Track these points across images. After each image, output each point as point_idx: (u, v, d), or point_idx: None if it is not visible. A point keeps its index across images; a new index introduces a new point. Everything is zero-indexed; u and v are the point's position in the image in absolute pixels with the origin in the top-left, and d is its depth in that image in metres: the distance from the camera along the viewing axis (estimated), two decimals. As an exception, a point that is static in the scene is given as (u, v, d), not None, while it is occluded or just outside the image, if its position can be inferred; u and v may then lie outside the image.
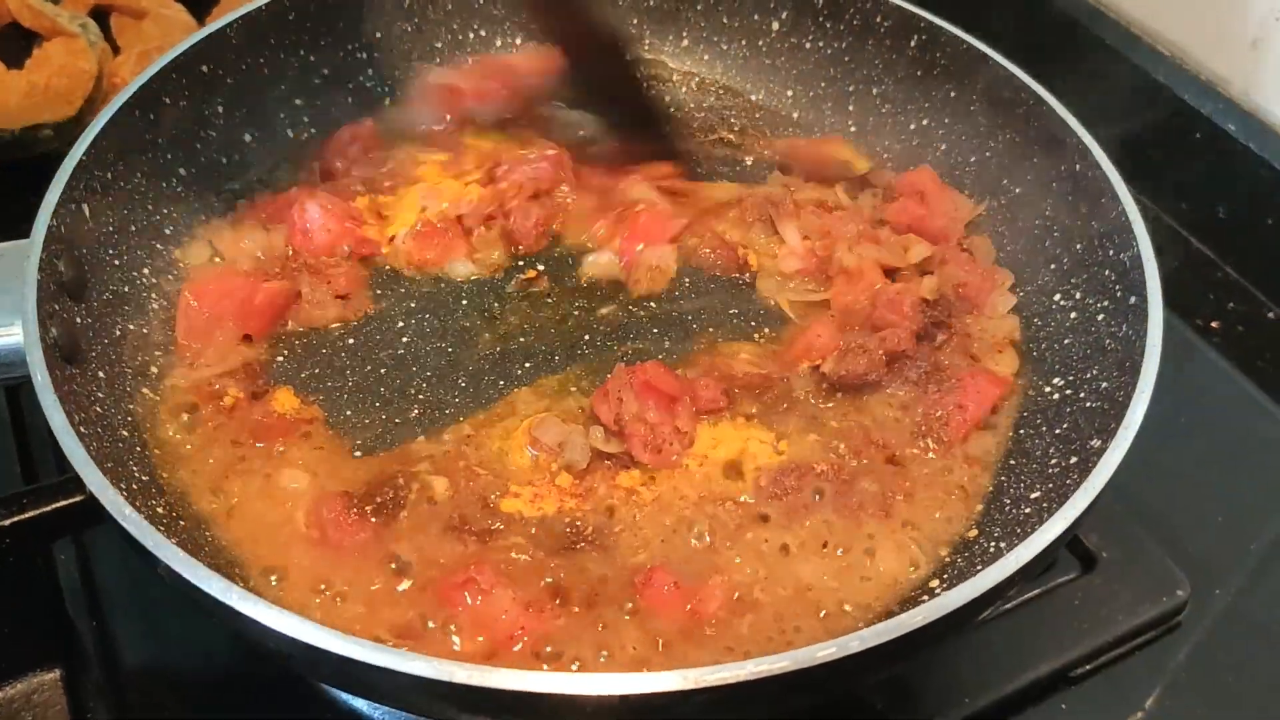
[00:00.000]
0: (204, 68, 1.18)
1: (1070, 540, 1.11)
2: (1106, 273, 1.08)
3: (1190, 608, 1.14)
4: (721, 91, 1.43)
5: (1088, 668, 1.10)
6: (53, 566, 1.07)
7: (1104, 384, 1.01)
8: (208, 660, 1.09)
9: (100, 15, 1.69)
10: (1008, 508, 1.00)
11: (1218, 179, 1.50)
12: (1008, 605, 1.11)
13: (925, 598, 0.93)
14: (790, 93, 1.40)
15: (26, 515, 0.95)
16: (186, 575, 0.77)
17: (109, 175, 1.08)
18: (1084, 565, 1.16)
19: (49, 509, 0.95)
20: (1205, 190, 1.52)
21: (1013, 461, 1.05)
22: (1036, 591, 1.14)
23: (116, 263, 1.08)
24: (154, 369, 1.06)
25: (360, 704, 1.05)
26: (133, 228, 1.11)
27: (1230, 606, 1.17)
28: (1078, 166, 1.14)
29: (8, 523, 0.94)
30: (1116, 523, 1.18)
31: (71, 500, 0.96)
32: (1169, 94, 1.50)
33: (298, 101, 1.29)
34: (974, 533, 1.00)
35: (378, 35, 1.32)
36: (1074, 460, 0.97)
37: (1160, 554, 1.17)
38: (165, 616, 1.10)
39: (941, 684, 1.08)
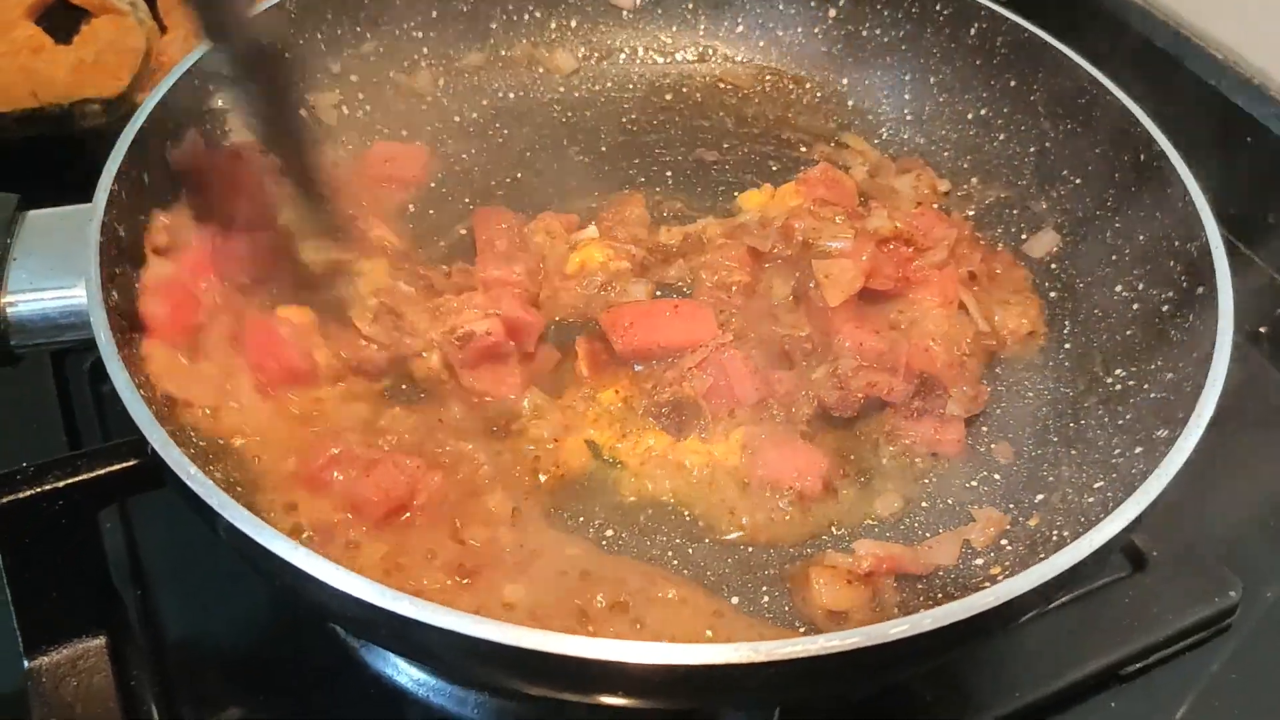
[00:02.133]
0: (262, 40, 1.17)
1: None
2: (1171, 263, 1.07)
3: (1240, 609, 1.13)
4: (775, 78, 1.42)
5: (1137, 666, 1.09)
6: (99, 534, 1.06)
7: (1169, 375, 1.00)
8: (249, 632, 1.10)
9: (149, -6, 1.70)
10: (1070, 497, 0.99)
11: (1266, 184, 1.48)
12: (1058, 602, 1.10)
13: (987, 584, 0.91)
14: (845, 80, 1.39)
15: (81, 478, 0.94)
16: (251, 534, 0.76)
17: (167, 144, 1.07)
18: (1134, 564, 1.15)
19: (103, 472, 0.94)
20: (1254, 195, 1.50)
21: (1074, 451, 1.04)
22: (1086, 589, 1.12)
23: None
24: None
25: (402, 679, 1.04)
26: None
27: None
28: (1142, 157, 1.12)
29: (63, 484, 0.94)
30: (1166, 522, 1.16)
31: (125, 464, 0.95)
32: (1220, 98, 1.49)
33: (354, 78, 1.28)
34: (1034, 520, 0.99)
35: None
36: (1139, 450, 0.96)
37: (1211, 555, 1.15)
38: (208, 588, 1.10)
39: (991, 678, 1.07)
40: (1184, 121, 1.15)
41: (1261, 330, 1.43)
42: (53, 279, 0.93)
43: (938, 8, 1.31)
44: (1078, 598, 1.12)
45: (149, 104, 1.04)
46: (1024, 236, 1.23)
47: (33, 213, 0.97)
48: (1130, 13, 1.58)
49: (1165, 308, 1.06)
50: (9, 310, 0.92)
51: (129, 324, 0.94)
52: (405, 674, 1.05)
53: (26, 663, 1.00)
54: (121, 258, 0.97)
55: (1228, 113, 1.48)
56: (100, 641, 1.03)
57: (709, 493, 1.01)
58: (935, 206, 1.25)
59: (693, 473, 1.02)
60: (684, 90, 1.39)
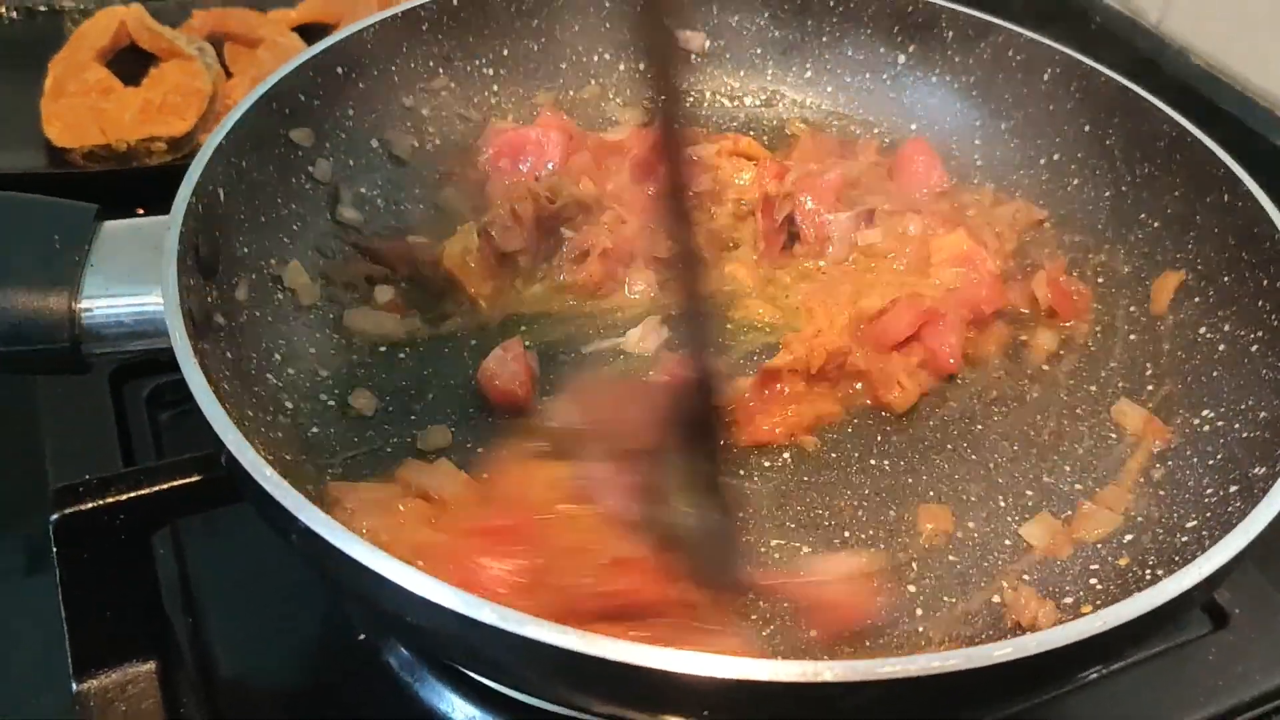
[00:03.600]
0: (339, 68, 1.19)
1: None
2: (1260, 303, 1.04)
3: (1330, 674, 1.08)
4: (843, 122, 1.42)
5: (1223, 728, 1.04)
6: (152, 557, 1.04)
7: (1263, 413, 0.97)
8: (301, 666, 1.07)
9: (216, 42, 1.73)
10: (1160, 536, 0.95)
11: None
12: (1136, 659, 1.06)
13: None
14: (914, 125, 1.38)
15: (143, 491, 0.93)
16: (328, 538, 0.73)
17: (244, 164, 1.07)
18: (1215, 622, 1.11)
19: (166, 486, 0.93)
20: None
21: (1162, 492, 1.00)
22: (1165, 646, 1.08)
23: (246, 250, 1.07)
24: (277, 356, 1.04)
25: (458, 716, 1.01)
26: (262, 219, 1.10)
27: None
28: (1226, 198, 1.10)
29: (125, 497, 0.92)
30: (1249, 581, 1.12)
31: (189, 479, 0.94)
32: (1265, 144, 1.48)
33: (425, 112, 1.29)
34: (1124, 560, 0.95)
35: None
36: (1235, 489, 0.93)
37: (1297, 612, 1.11)
38: (261, 620, 1.07)
39: (1069, 740, 1.03)
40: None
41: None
42: (128, 285, 0.92)
43: (1010, 53, 1.31)
44: (1155, 656, 1.07)
45: (231, 118, 1.05)
46: (1100, 280, 1.22)
47: (110, 223, 0.97)
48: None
49: (1255, 348, 1.03)
50: (84, 315, 0.91)
51: (199, 334, 0.93)
52: (461, 711, 1.02)
53: (75, 685, 0.97)
54: (196, 269, 0.96)
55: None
56: (150, 667, 1.00)
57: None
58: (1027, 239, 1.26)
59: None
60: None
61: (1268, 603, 1.11)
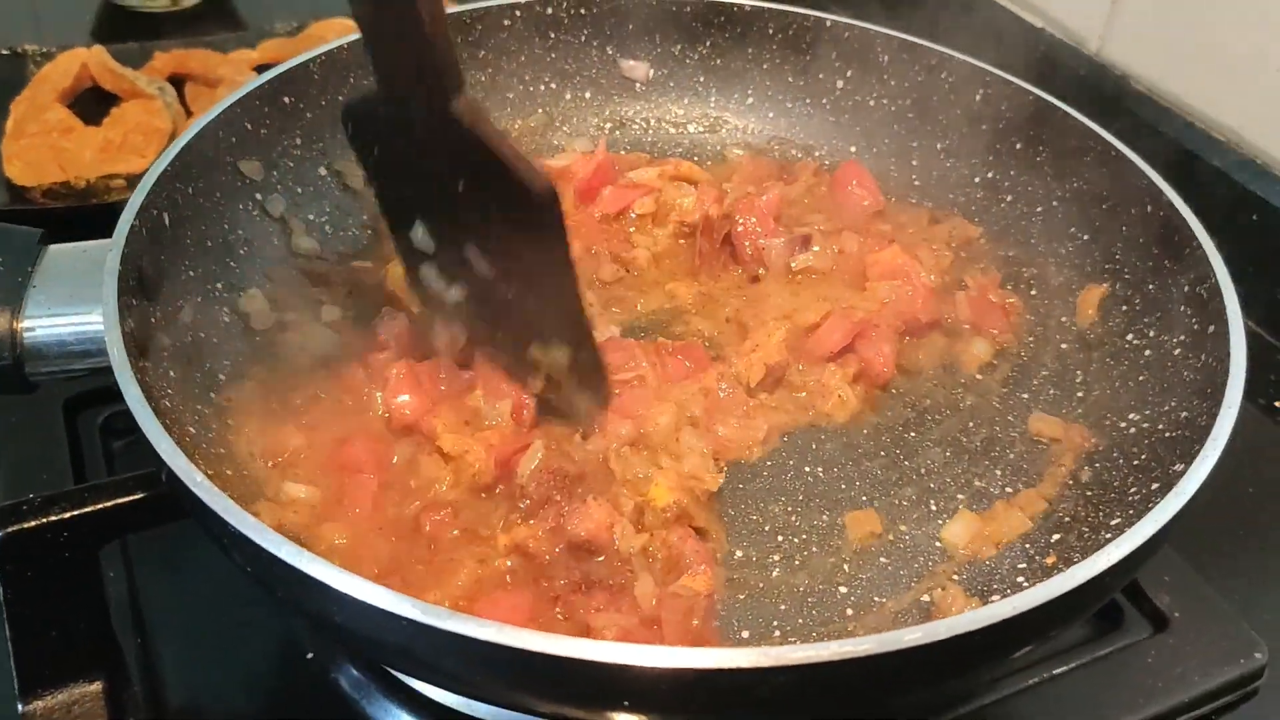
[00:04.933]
0: (286, 99, 1.22)
1: (1143, 600, 1.11)
2: (1183, 308, 1.07)
3: (1269, 676, 1.09)
4: (784, 146, 1.45)
5: (1164, 730, 1.05)
6: (100, 576, 1.05)
7: (1184, 413, 0.99)
8: (250, 688, 1.07)
9: (176, 82, 1.76)
10: (1086, 535, 0.97)
11: (1276, 262, 1.49)
12: (1078, 662, 1.08)
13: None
14: (854, 148, 1.42)
15: (87, 509, 0.94)
16: (279, 554, 0.74)
17: (189, 190, 1.09)
18: (1155, 625, 1.12)
19: (110, 504, 0.95)
20: (1263, 274, 1.50)
21: (1089, 493, 1.02)
22: (1107, 650, 1.10)
23: (191, 274, 1.08)
24: (221, 376, 1.06)
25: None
26: (209, 243, 1.12)
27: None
28: (1149, 209, 1.14)
29: (69, 515, 0.93)
30: (1189, 585, 1.14)
31: (133, 497, 0.95)
32: (1225, 178, 1.51)
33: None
34: (1051, 559, 0.97)
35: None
36: (1156, 486, 0.95)
37: (1236, 616, 1.12)
38: (210, 642, 1.08)
39: (1011, 742, 1.04)
40: (1190, 200, 1.16)
41: (1277, 404, 1.43)
42: (70, 305, 0.94)
43: (943, 76, 1.34)
44: (1098, 659, 1.09)
45: (176, 146, 1.07)
46: (1032, 293, 1.25)
47: (55, 246, 0.99)
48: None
49: (1177, 351, 1.06)
50: (25, 334, 0.93)
51: (140, 353, 0.95)
52: (415, 730, 1.02)
53: (21, 706, 0.98)
54: (139, 290, 0.98)
55: (1238, 192, 1.49)
56: (97, 687, 1.01)
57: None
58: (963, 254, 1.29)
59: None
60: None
61: (1207, 607, 1.13)
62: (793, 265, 1.23)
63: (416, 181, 0.98)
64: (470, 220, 0.97)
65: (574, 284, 1.00)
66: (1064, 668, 1.07)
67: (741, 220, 1.24)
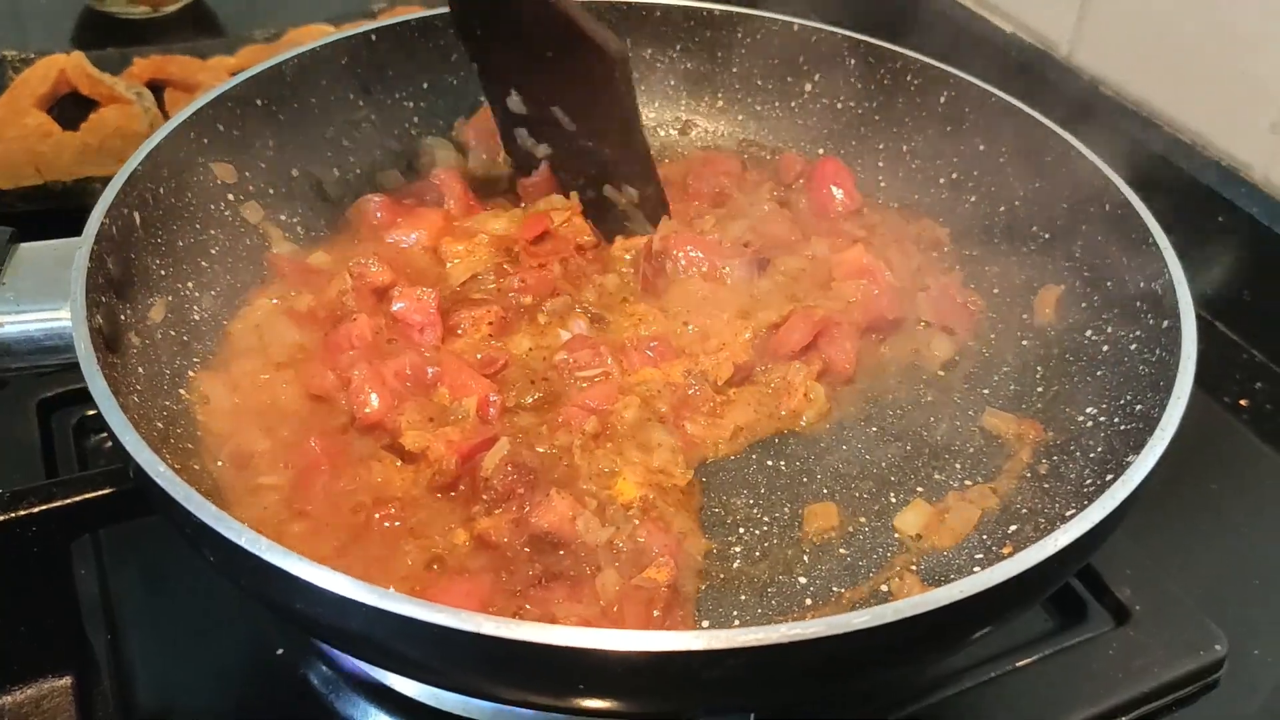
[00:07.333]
0: (259, 101, 1.23)
1: (1105, 593, 1.14)
2: (1139, 304, 1.09)
3: (1228, 665, 1.11)
4: (754, 149, 1.47)
5: (1124, 720, 1.07)
6: (70, 569, 1.06)
7: (1138, 406, 1.01)
8: (221, 683, 1.08)
9: (155, 88, 1.77)
10: (1043, 526, 0.99)
11: (1241, 263, 1.51)
12: (1041, 655, 1.09)
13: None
14: (822, 150, 1.43)
15: (56, 504, 0.94)
16: (239, 541, 0.75)
17: (160, 190, 1.11)
18: (1117, 618, 1.14)
19: (79, 499, 0.95)
20: (1229, 274, 1.52)
21: (1047, 485, 1.04)
22: (1070, 643, 1.11)
23: (162, 273, 1.10)
24: (191, 373, 1.07)
25: (378, 729, 1.03)
26: (180, 243, 1.13)
27: (1271, 668, 1.13)
28: (1107, 207, 1.16)
29: (38, 510, 0.94)
30: (1151, 578, 1.16)
31: (102, 492, 0.96)
32: (1192, 180, 1.53)
33: (345, 143, 1.33)
34: (1008, 549, 0.99)
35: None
36: (1110, 477, 0.95)
37: (1195, 609, 1.14)
38: (180, 638, 1.09)
39: (973, 734, 1.05)
40: (1155, 202, 1.18)
41: (1242, 403, 1.45)
42: (38, 302, 0.95)
43: (908, 78, 1.36)
44: (1060, 651, 1.10)
45: (147, 146, 1.09)
46: (995, 291, 1.26)
47: (25, 245, 1.00)
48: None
49: (1133, 346, 1.08)
50: (-7, 332, 0.94)
51: (109, 349, 0.96)
52: (382, 723, 1.03)
53: (-10, 701, 0.99)
54: (109, 288, 0.99)
55: (1201, 193, 1.52)
56: (66, 682, 1.02)
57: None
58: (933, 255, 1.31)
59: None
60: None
61: (1168, 600, 1.15)
62: (751, 293, 1.21)
63: (511, 56, 1.20)
64: (556, 83, 1.19)
65: (640, 132, 1.23)
66: (1027, 660, 1.09)
67: (678, 253, 1.23)
